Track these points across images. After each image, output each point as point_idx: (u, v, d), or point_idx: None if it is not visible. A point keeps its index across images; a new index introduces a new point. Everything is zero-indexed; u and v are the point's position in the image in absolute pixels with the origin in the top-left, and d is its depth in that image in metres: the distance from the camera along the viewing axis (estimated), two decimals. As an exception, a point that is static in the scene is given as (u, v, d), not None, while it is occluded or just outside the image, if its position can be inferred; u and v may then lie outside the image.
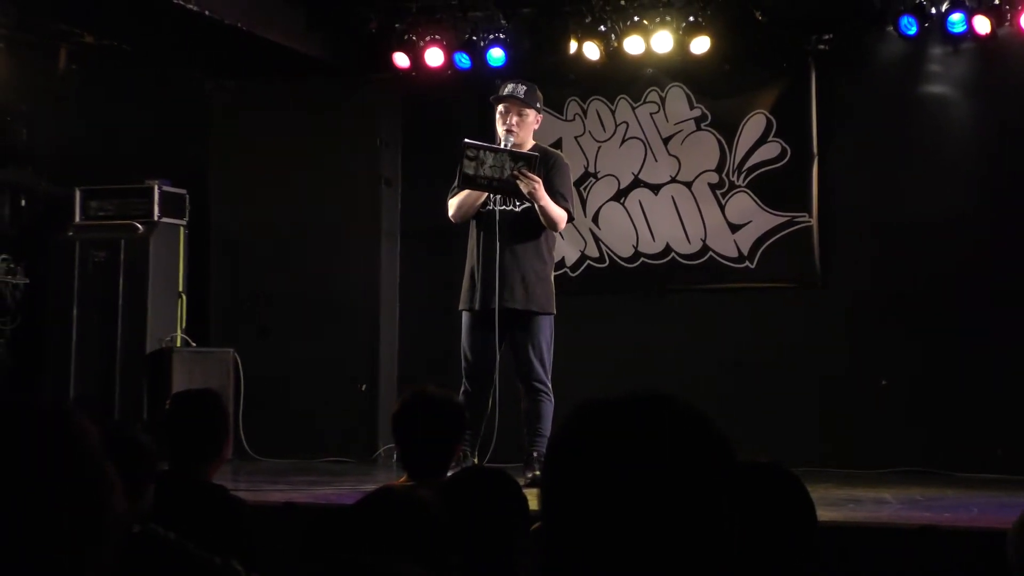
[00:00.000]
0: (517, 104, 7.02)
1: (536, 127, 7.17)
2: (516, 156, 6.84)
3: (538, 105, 7.12)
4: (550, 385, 6.96)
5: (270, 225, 9.37)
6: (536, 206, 6.85)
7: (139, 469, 3.38)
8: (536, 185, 6.78)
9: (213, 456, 4.27)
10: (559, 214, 6.92)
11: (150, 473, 3.51)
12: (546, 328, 7.02)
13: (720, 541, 1.50)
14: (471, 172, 6.83)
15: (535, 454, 6.80)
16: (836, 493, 6.66)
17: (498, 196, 6.96)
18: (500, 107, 7.06)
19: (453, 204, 7.08)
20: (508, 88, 7.07)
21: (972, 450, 7.90)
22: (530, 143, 7.11)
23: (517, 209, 6.97)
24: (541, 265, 7.02)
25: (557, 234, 7.15)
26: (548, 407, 6.93)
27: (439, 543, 2.49)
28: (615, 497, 1.49)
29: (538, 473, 6.55)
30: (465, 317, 7.10)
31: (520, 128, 7.01)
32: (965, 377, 8.06)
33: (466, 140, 6.92)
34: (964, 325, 8.11)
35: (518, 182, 6.76)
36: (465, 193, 6.98)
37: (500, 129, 7.03)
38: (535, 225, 6.96)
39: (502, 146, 6.93)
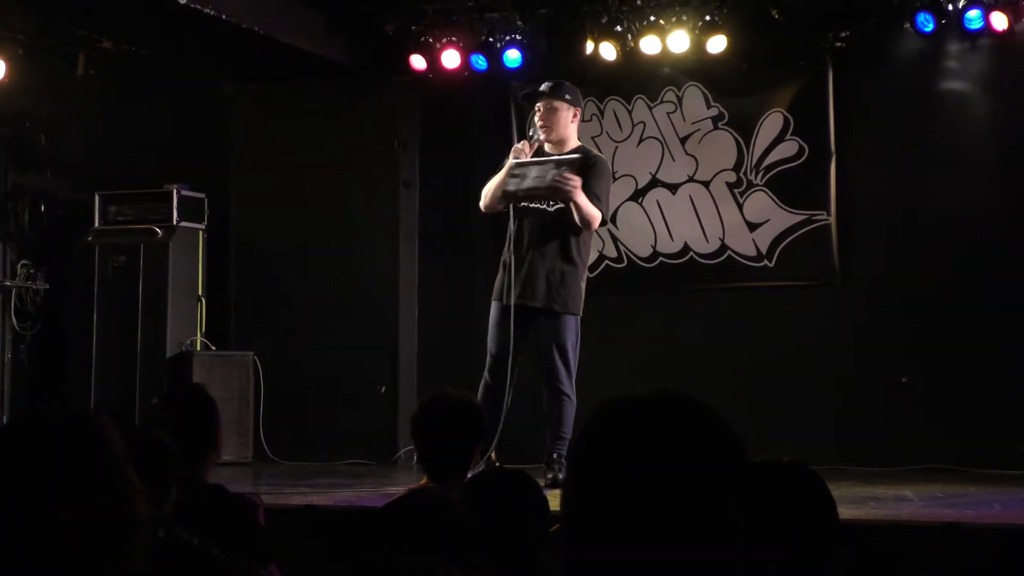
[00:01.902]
0: (544, 98, 7.04)
1: (574, 122, 7.15)
2: (559, 163, 6.89)
3: (568, 97, 7.08)
4: (573, 388, 6.91)
5: (289, 228, 9.38)
6: (571, 204, 6.87)
7: (161, 470, 3.39)
8: (574, 186, 6.81)
9: (209, 451, 4.24)
10: (593, 213, 6.89)
11: (172, 474, 3.52)
12: (570, 328, 6.97)
13: (736, 540, 1.51)
14: (512, 189, 6.92)
15: (555, 455, 6.80)
16: (857, 491, 6.62)
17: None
18: (536, 105, 7.10)
19: (483, 194, 7.12)
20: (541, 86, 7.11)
21: (993, 447, 7.86)
22: (573, 141, 7.12)
23: (550, 209, 6.97)
24: (570, 267, 6.98)
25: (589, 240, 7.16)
26: (569, 410, 6.89)
27: (465, 543, 2.50)
28: (636, 497, 1.49)
29: (559, 475, 6.56)
30: (493, 308, 7.10)
31: (551, 122, 7.01)
32: (985, 374, 8.04)
33: (515, 161, 6.96)
34: (983, 322, 8.09)
35: (558, 186, 6.79)
36: (492, 184, 7.02)
37: (536, 125, 7.06)
38: (566, 226, 6.94)
39: (534, 135, 7.00)
